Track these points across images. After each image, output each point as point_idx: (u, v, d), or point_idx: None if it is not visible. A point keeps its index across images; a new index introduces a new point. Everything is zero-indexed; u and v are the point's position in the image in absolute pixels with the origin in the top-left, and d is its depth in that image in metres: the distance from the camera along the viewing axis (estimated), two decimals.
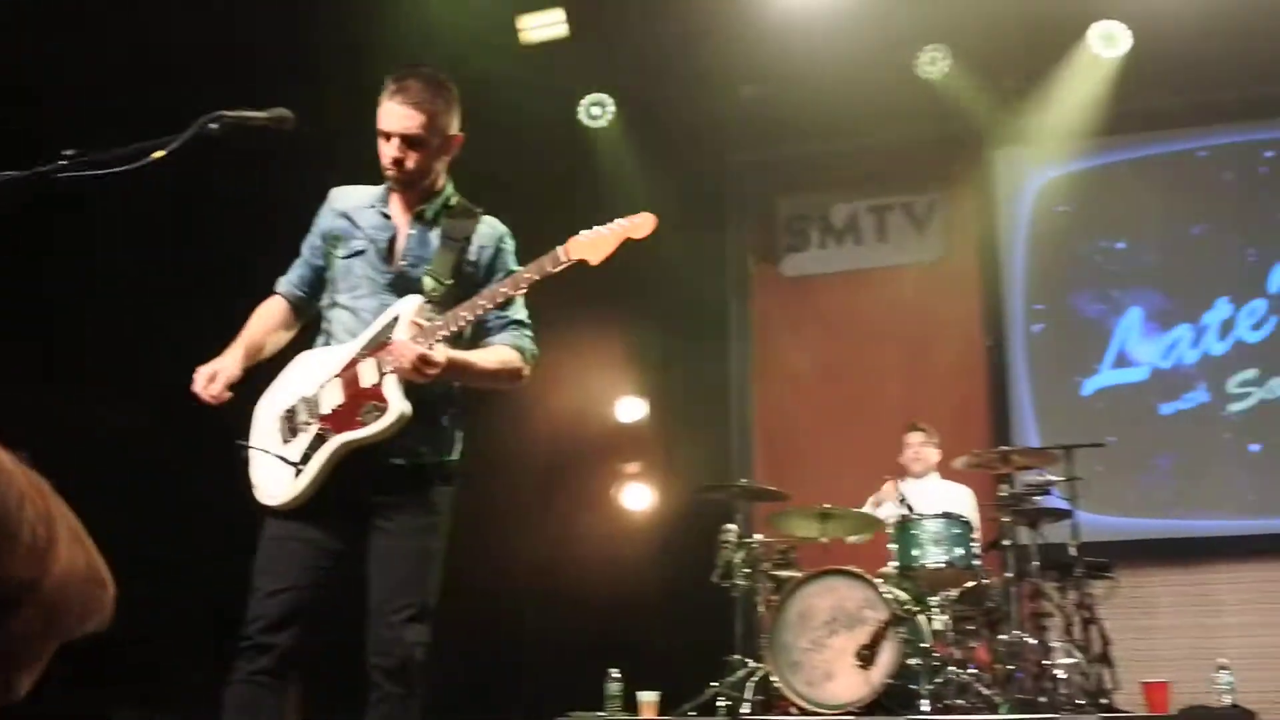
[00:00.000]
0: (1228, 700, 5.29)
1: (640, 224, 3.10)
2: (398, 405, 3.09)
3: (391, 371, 3.10)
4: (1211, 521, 6.92)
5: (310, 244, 3.44)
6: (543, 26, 6.75)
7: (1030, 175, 7.61)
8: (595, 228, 3.10)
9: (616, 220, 3.10)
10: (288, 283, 3.46)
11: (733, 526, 6.02)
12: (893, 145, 7.51)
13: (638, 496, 7.65)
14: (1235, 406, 7.06)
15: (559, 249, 3.09)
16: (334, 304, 3.31)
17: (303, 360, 3.33)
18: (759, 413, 7.85)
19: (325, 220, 3.40)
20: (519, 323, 3.30)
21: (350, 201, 3.38)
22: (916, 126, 7.29)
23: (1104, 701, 5.42)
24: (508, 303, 3.23)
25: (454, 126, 3.28)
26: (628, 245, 3.07)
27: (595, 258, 3.06)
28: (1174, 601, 6.85)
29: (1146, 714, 5.29)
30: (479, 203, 3.38)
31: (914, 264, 7.77)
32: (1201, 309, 7.19)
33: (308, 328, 3.42)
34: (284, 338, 3.41)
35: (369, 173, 3.31)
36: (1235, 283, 7.21)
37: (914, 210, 7.85)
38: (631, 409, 7.71)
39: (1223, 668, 5.41)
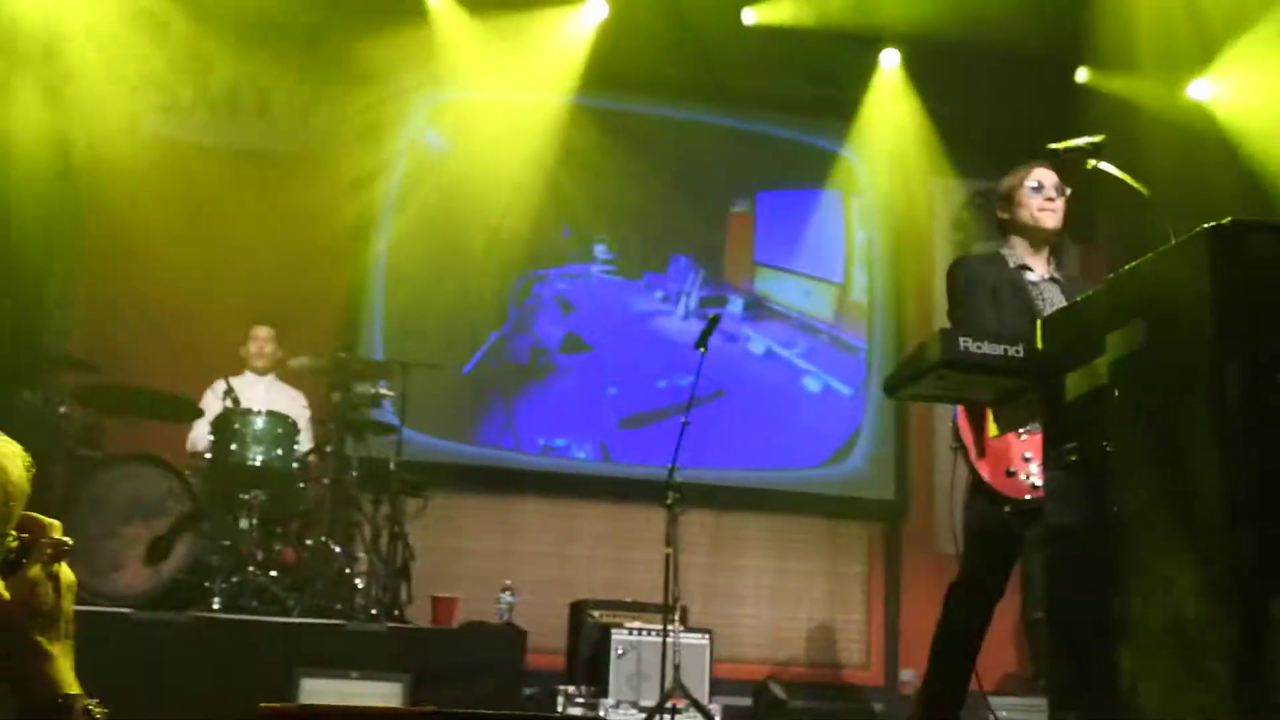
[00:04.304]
0: (506, 619, 5.77)
1: None
2: None
3: None
4: (523, 455, 7.45)
5: None
6: None
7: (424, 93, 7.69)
8: None
9: None
10: None
11: (29, 395, 5.56)
12: (283, 24, 7.18)
13: None
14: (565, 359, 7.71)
15: None
16: None
17: None
18: (86, 277, 7.20)
19: None
20: None
21: None
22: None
23: (396, 613, 5.70)
24: None
25: None
26: None
27: None
28: (481, 526, 7.30)
29: (430, 625, 5.62)
30: None
31: (288, 150, 7.54)
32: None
33: None
34: None
35: None
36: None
37: (297, 93, 7.58)
38: None
39: (507, 589, 5.89)
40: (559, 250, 7.80)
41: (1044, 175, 3.99)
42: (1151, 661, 2.43)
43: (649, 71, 7.74)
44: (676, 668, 5.47)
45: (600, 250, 7.84)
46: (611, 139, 7.77)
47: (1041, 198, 3.97)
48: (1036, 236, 4.02)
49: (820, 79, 7.95)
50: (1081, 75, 7.81)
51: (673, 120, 8.08)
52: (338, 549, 5.69)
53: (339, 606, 5.49)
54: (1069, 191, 4.02)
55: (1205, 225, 2.38)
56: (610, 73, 7.68)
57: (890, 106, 7.97)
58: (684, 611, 6.21)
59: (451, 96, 7.68)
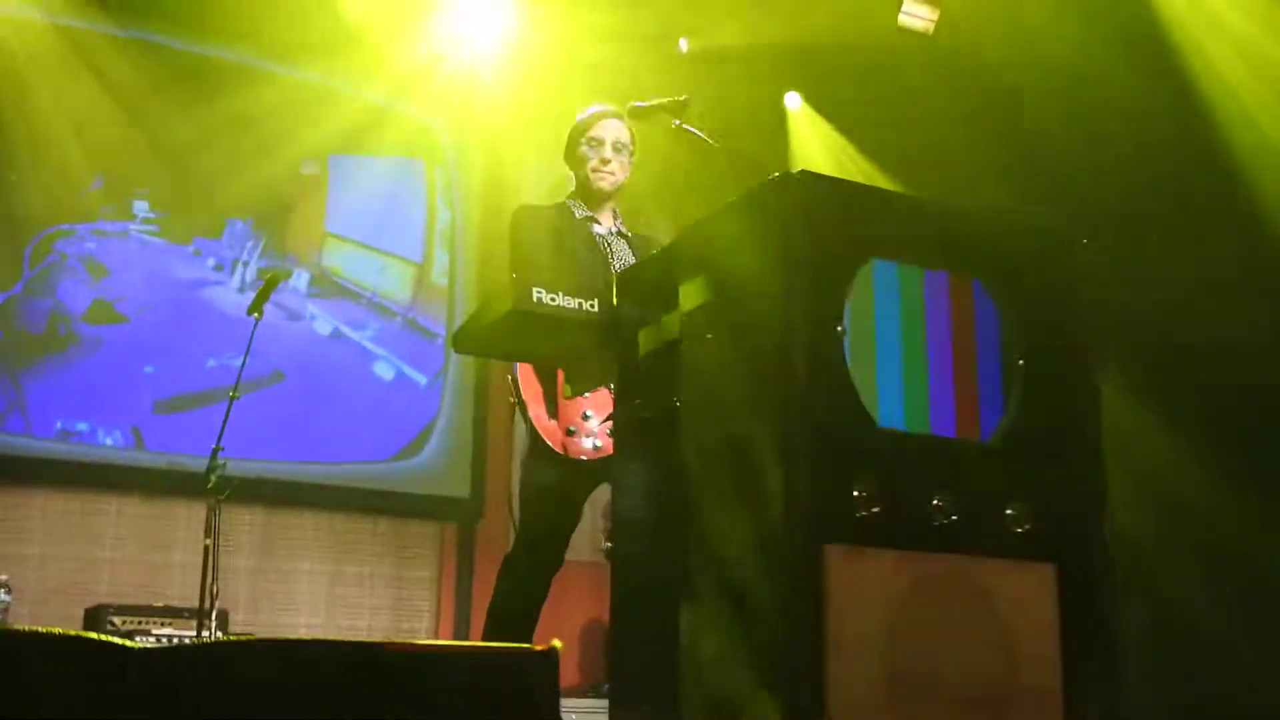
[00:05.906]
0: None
1: None
2: None
3: None
4: (34, 441, 6.65)
5: None
6: None
7: None
8: None
9: None
10: None
11: None
12: None
13: None
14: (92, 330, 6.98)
15: None
16: None
17: None
18: None
19: None
20: None
21: None
22: None
23: None
24: None
25: None
26: None
27: None
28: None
29: None
30: None
31: None
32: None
33: None
34: None
35: None
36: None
37: None
38: None
39: (2, 585, 5.39)
40: (89, 204, 6.98)
41: (605, 129, 3.95)
42: (709, 616, 2.39)
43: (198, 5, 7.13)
44: None
45: (141, 208, 7.09)
46: (158, 81, 7.10)
47: (597, 158, 3.95)
48: (592, 195, 4.00)
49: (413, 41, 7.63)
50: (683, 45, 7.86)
51: (231, 64, 7.45)
52: None
53: None
54: (633, 151, 4.02)
55: (775, 175, 2.38)
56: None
57: (487, 76, 7.72)
58: (224, 616, 5.82)
59: None
